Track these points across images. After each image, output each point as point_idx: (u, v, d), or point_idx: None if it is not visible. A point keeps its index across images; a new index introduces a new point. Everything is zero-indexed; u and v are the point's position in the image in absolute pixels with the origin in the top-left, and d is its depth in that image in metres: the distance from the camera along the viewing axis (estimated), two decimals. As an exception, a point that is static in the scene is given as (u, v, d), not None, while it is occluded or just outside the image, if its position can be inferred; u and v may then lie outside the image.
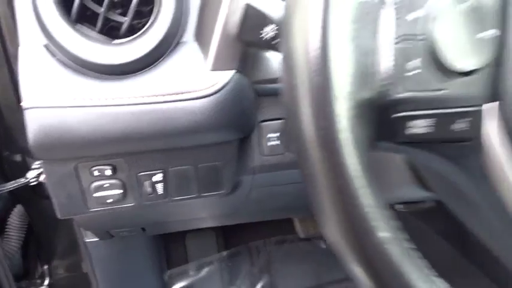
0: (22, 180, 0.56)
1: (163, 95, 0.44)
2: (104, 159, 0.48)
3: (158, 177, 0.51)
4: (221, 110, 0.45)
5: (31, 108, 0.43)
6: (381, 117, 0.28)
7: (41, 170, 0.53)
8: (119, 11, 0.46)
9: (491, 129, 0.29)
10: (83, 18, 0.45)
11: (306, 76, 0.24)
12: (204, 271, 1.10)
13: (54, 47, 0.44)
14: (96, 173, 0.49)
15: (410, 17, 0.27)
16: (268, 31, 0.38)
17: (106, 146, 0.45)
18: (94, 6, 0.44)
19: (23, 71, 0.43)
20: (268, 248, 1.13)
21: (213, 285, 1.10)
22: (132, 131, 0.44)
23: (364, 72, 0.27)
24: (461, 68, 0.28)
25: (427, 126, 0.28)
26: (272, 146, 0.52)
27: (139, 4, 0.45)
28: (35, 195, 0.79)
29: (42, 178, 0.54)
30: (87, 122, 0.43)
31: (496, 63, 0.28)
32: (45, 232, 0.92)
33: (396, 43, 0.27)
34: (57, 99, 0.43)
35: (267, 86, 0.48)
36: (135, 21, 0.45)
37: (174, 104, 0.44)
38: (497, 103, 0.28)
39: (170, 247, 1.10)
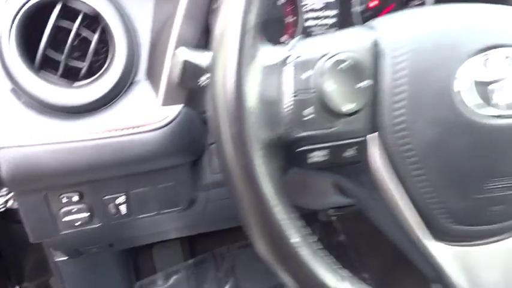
0: (-10, 208, 0.60)
1: (121, 129, 0.50)
2: (70, 187, 0.54)
3: (121, 199, 0.56)
4: (172, 140, 0.51)
5: (1, 148, 0.48)
6: (288, 152, 0.36)
7: (8, 196, 0.58)
8: (77, 54, 0.52)
9: (375, 153, 0.38)
10: (45, 65, 0.51)
11: (227, 126, 0.31)
12: (172, 280, 1.13)
13: (20, 91, 0.49)
14: (64, 200, 0.54)
15: (304, 76, 0.36)
16: (204, 79, 0.46)
17: (72, 176, 0.51)
18: (55, 55, 0.50)
19: None
20: (232, 253, 1.17)
21: (182, 293, 1.14)
22: (95, 162, 0.50)
23: (271, 119, 0.35)
24: (347, 111, 0.36)
25: (324, 155, 0.37)
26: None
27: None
28: (4, 220, 0.82)
29: (10, 204, 0.59)
30: (54, 157, 0.49)
31: (373, 104, 0.37)
32: (14, 255, 0.94)
33: (294, 96, 0.36)
34: (25, 138, 0.48)
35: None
36: (93, 59, 0.51)
37: (130, 137, 0.50)
38: (376, 133, 0.37)
39: (138, 259, 1.12)
